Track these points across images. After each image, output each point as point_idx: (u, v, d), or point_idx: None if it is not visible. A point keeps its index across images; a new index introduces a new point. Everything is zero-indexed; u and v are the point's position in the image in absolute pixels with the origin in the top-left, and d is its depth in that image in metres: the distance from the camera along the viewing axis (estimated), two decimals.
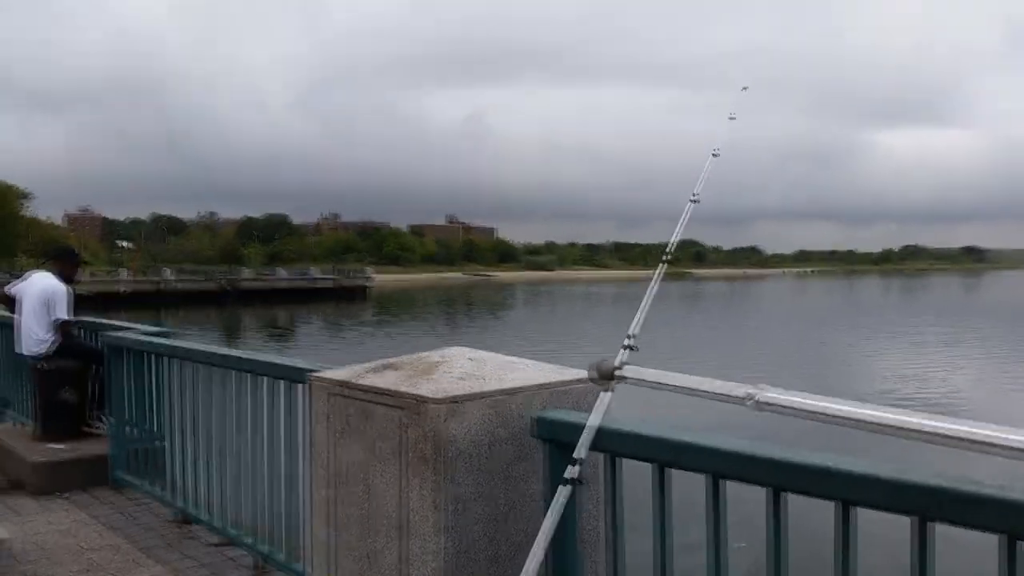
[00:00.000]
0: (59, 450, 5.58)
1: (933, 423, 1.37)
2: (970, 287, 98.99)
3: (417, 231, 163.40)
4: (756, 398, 1.60)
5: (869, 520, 1.65)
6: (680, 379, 1.80)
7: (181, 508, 4.63)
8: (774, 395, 1.58)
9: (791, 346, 28.22)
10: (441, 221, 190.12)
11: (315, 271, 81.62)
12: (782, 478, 1.73)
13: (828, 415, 1.52)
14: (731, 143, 2.58)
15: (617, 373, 1.96)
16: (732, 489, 1.87)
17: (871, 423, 1.45)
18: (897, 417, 1.42)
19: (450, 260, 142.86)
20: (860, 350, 27.91)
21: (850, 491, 1.62)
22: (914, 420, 1.40)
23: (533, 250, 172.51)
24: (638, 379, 1.91)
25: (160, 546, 4.31)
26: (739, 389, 1.64)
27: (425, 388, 2.31)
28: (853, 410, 1.49)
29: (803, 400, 1.55)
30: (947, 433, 1.34)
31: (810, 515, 1.89)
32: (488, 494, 2.29)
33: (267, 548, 3.82)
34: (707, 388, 1.74)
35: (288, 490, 3.61)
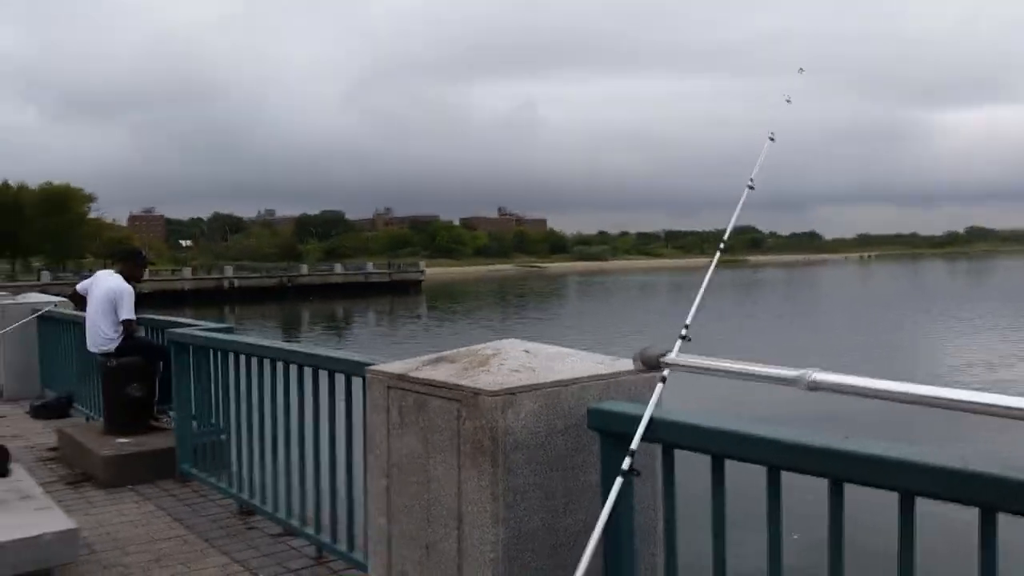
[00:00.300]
0: (127, 444, 5.77)
1: (980, 397, 1.40)
2: None
3: (469, 224, 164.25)
4: (809, 378, 1.62)
5: (927, 510, 1.61)
6: (727, 364, 1.81)
7: (245, 499, 4.74)
8: (826, 376, 1.61)
9: (853, 336, 27.57)
10: (492, 213, 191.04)
11: (370, 266, 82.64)
12: (842, 468, 1.70)
13: (878, 392, 1.55)
14: (788, 127, 2.54)
15: (662, 360, 1.95)
16: (787, 479, 1.85)
17: (920, 399, 1.48)
18: (945, 393, 1.45)
19: (502, 252, 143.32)
20: (926, 338, 27.18)
21: (912, 481, 1.58)
22: (962, 395, 1.43)
23: (584, 240, 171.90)
24: (683, 366, 1.91)
25: (225, 536, 4.43)
26: (790, 371, 1.66)
27: (480, 380, 2.32)
28: (902, 388, 1.51)
29: (854, 380, 1.58)
30: (994, 404, 1.38)
31: (866, 505, 1.86)
32: (545, 484, 2.30)
33: (328, 538, 3.90)
34: (756, 371, 1.75)
35: (347, 481, 3.68)
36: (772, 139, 2.51)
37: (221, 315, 46.49)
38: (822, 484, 1.76)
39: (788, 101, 2.66)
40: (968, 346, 24.39)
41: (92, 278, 6.71)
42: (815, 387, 1.61)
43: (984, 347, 23.85)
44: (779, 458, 1.83)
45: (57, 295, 9.43)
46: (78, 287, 6.82)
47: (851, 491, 1.72)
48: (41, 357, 9.01)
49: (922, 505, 1.61)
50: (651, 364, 1.97)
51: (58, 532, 3.69)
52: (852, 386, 1.58)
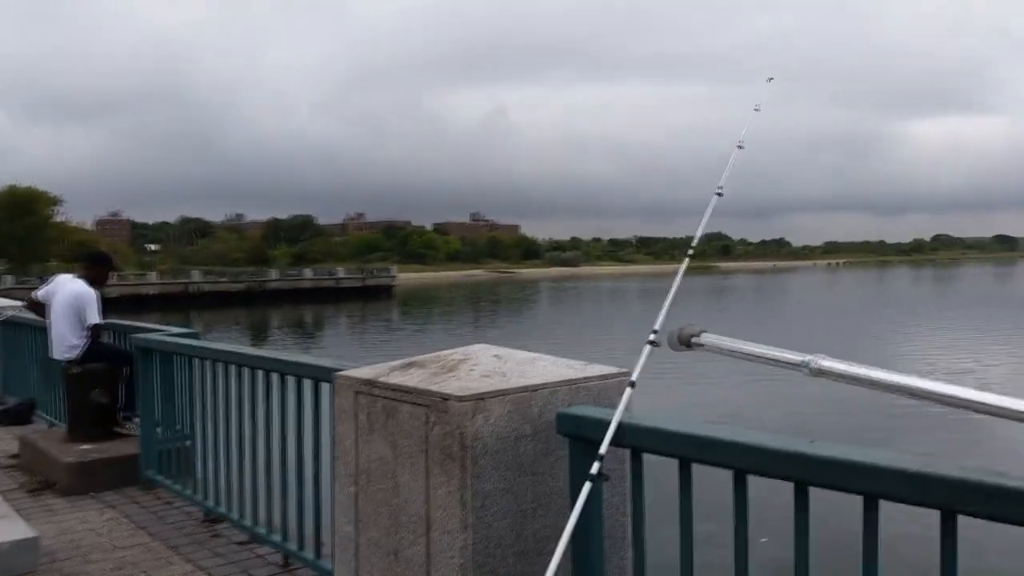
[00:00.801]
0: (90, 451, 5.67)
1: (978, 394, 1.47)
2: (1002, 276, 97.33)
3: (441, 229, 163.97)
4: (812, 365, 1.70)
5: (894, 514, 1.64)
6: (750, 347, 1.94)
7: (210, 507, 4.69)
8: (830, 363, 1.69)
9: (823, 341, 27.87)
10: (465, 219, 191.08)
11: (341, 271, 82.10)
12: (806, 472, 1.72)
13: (880, 383, 1.61)
14: (757, 135, 2.57)
15: (694, 341, 2.04)
16: (758, 484, 1.87)
17: (920, 392, 1.54)
18: (945, 388, 1.52)
19: (474, 257, 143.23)
20: (893, 343, 27.58)
21: (875, 484, 1.60)
22: (961, 391, 1.49)
23: (557, 246, 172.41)
24: (714, 346, 2.01)
25: (189, 544, 4.37)
26: (797, 357, 1.77)
27: (450, 386, 2.32)
28: (903, 380, 1.57)
29: (857, 368, 1.65)
30: (990, 404, 1.44)
31: (833, 508, 1.88)
32: (514, 490, 2.30)
33: (294, 545, 3.87)
34: (770, 355, 1.88)
35: (315, 488, 3.65)
36: (741, 147, 2.54)
37: (188, 320, 45.98)
38: (789, 488, 1.78)
39: (757, 110, 2.69)
40: (931, 350, 24.79)
41: (52, 283, 6.58)
42: (820, 373, 1.70)
43: (948, 351, 24.25)
44: (744, 462, 1.84)
45: (20, 300, 9.26)
46: (36, 294, 6.68)
47: (819, 494, 1.74)
48: (2, 362, 8.84)
49: (888, 508, 1.63)
50: (685, 343, 2.06)
51: (17, 540, 3.63)
52: (855, 375, 1.65)
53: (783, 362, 1.82)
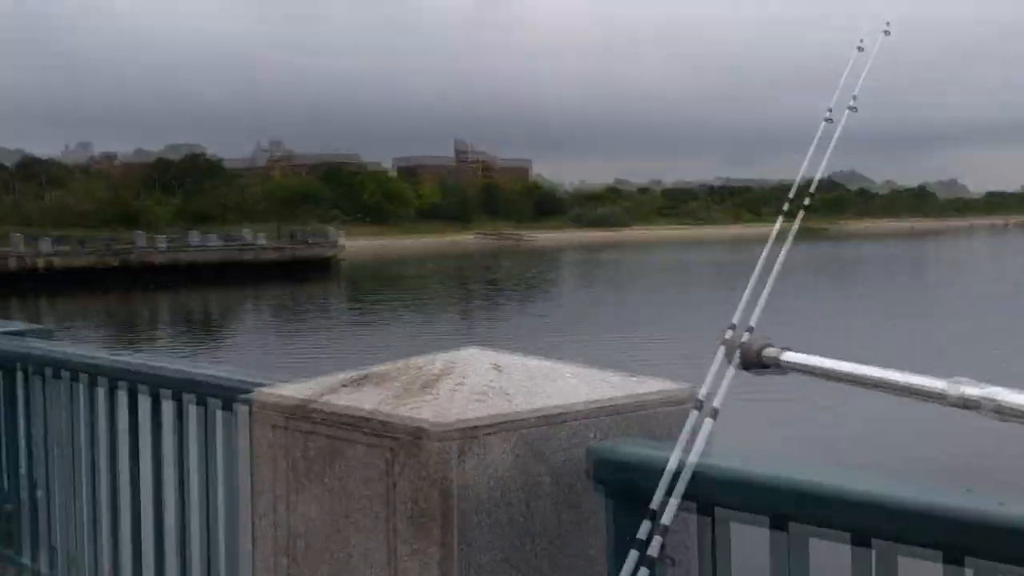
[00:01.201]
0: None
1: None
2: None
3: (410, 171, 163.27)
4: (961, 392, 1.70)
5: None
6: (857, 368, 1.92)
7: None
8: (984, 390, 1.68)
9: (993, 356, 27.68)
10: (447, 154, 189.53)
11: (259, 236, 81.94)
12: (963, 537, 1.73)
13: None
14: (901, 26, 2.56)
15: (766, 355, 2.01)
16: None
17: None
18: None
19: (462, 215, 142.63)
20: None
21: None
22: None
23: (588, 195, 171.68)
24: (799, 366, 1.98)
25: None
26: (935, 382, 1.76)
27: (425, 411, 2.34)
28: None
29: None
30: None
31: None
32: (524, 565, 2.33)
33: None
34: (891, 379, 1.87)
35: (228, 562, 3.68)
36: (862, 48, 2.53)
37: (7, 312, 45.99)
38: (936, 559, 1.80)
39: None
40: None
41: None
42: (966, 404, 1.69)
43: None
44: (870, 522, 1.84)
45: None
46: None
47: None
48: None
49: None
50: (753, 361, 2.02)
51: None
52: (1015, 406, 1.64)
53: (912, 388, 1.83)
